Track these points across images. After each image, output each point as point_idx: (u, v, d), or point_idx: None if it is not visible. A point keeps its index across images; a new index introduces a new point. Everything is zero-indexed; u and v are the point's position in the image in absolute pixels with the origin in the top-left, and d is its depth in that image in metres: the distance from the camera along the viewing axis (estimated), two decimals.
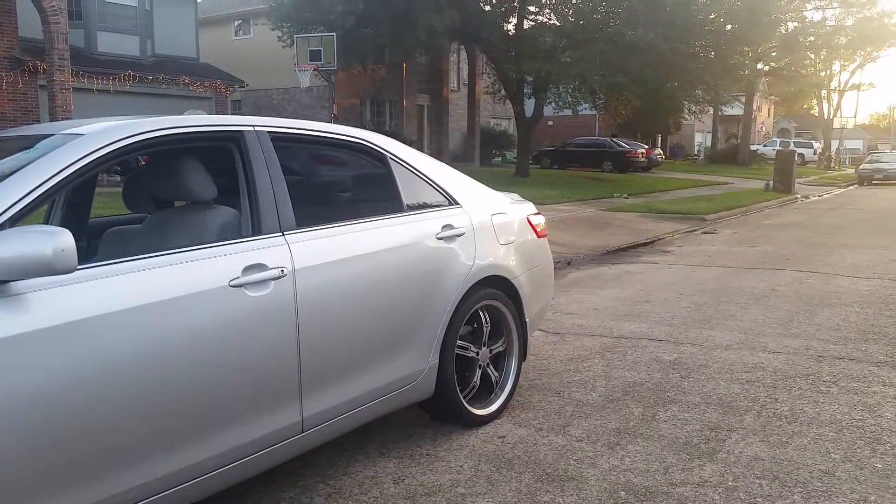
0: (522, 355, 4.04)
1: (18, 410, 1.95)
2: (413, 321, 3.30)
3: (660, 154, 35.70)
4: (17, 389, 1.95)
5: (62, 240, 1.98)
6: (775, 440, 3.53)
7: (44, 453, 2.02)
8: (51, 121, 13.64)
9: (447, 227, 3.56)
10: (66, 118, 13.73)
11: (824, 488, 3.04)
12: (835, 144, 51.66)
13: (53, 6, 14.08)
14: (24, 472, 1.98)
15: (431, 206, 3.62)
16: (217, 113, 20.46)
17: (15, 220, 2.10)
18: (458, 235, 3.60)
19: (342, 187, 3.97)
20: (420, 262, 3.39)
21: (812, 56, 42.60)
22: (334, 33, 18.15)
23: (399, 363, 3.23)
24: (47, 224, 3.10)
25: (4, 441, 1.93)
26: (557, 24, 23.36)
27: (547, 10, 23.92)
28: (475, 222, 3.73)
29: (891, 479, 3.11)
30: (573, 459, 3.34)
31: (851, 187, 29.23)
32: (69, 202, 3.45)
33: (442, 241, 3.51)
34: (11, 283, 1.99)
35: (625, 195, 18.96)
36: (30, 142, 2.53)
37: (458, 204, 3.74)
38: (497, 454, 3.40)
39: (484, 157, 30.90)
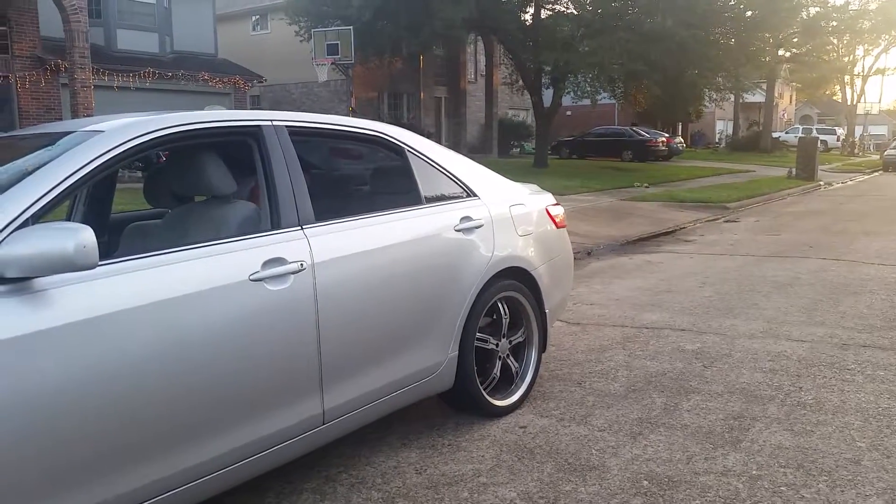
0: (543, 346, 4.03)
1: (42, 406, 1.98)
2: (432, 313, 3.30)
3: (680, 142, 35.37)
4: (40, 385, 1.98)
5: (83, 236, 2.00)
6: (800, 429, 3.50)
7: (68, 448, 2.04)
8: (73, 118, 13.79)
9: (465, 218, 3.55)
10: (88, 115, 13.87)
11: (850, 477, 3.00)
12: (858, 130, 50.92)
13: (74, 5, 14.23)
14: (48, 465, 2.00)
15: (449, 198, 3.61)
16: (236, 108, 20.58)
17: (37, 217, 2.12)
18: (477, 227, 3.59)
19: (360, 180, 3.98)
20: (439, 254, 3.39)
21: (835, 41, 41.97)
22: (351, 27, 18.17)
23: (419, 355, 3.24)
24: (69, 220, 3.14)
25: (29, 437, 1.96)
26: (575, 12, 23.17)
27: (564, 0, 23.76)
28: (493, 214, 3.72)
29: None
30: (595, 449, 3.33)
31: (876, 174, 28.78)
32: (90, 198, 3.48)
33: (461, 232, 3.50)
34: (34, 280, 2.02)
35: (645, 184, 18.82)
36: (51, 139, 2.56)
37: (476, 195, 3.73)
38: (518, 444, 3.40)
39: (502, 148, 30.80)
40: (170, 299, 2.29)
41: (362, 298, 2.95)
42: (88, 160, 2.29)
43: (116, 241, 3.11)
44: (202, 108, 2.96)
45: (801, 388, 4.07)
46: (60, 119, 16.59)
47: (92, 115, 13.45)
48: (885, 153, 32.52)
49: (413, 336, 3.22)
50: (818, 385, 4.11)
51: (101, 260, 2.10)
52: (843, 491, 2.89)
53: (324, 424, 2.80)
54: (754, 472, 3.07)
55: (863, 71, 49.18)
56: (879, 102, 58.56)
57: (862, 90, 50.33)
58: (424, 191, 3.49)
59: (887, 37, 42.91)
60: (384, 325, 3.07)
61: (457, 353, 3.42)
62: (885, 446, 3.28)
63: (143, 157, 2.76)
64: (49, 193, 2.15)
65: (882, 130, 62.20)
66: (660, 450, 3.31)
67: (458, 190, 3.68)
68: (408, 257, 3.21)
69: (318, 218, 2.87)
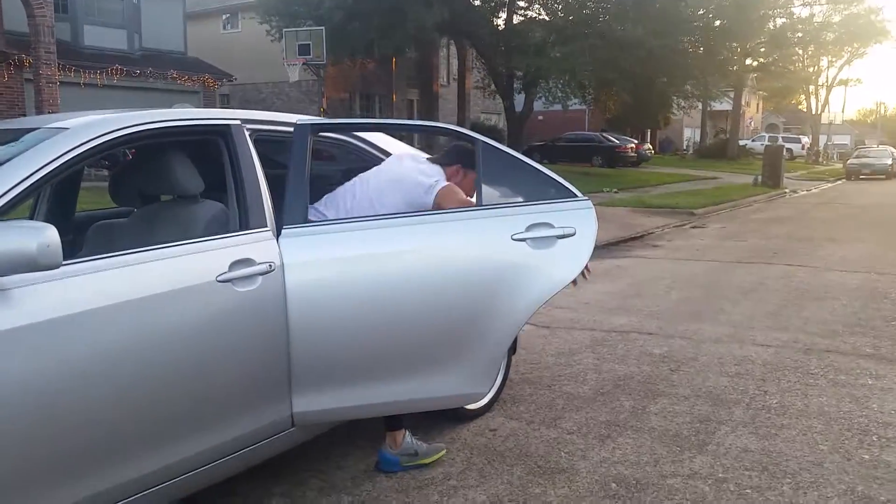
0: (513, 349, 4.03)
1: (3, 407, 1.93)
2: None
3: (649, 149, 35.76)
4: (1, 386, 1.93)
5: (47, 235, 1.95)
6: (764, 432, 3.55)
7: (29, 450, 2.00)
8: (37, 115, 13.52)
9: None
10: (53, 112, 13.61)
11: (812, 479, 3.05)
12: (823, 139, 51.93)
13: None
14: (8, 468, 1.96)
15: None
16: (205, 107, 20.35)
17: None
18: None
19: (331, 182, 3.95)
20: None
21: (800, 52, 42.75)
22: (323, 27, 18.08)
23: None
24: (32, 219, 3.06)
25: None
26: (547, 19, 23.39)
27: (536, 6, 23.95)
28: None
29: (878, 469, 3.13)
30: (564, 452, 3.34)
31: (839, 182, 29.39)
32: (55, 196, 3.41)
33: None
34: None
35: (614, 190, 18.99)
36: (14, 135, 2.50)
37: None
38: (488, 447, 3.40)
39: None
40: (135, 300, 2.25)
41: (339, 303, 2.77)
42: (52, 157, 2.24)
43: (81, 240, 3.05)
44: (170, 107, 2.90)
45: (765, 391, 4.13)
46: (24, 116, 16.26)
47: (57, 112, 13.21)
48: (848, 162, 33.24)
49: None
50: (782, 389, 4.17)
51: (65, 259, 2.05)
52: (805, 493, 2.93)
53: (293, 427, 2.77)
54: (720, 474, 3.11)
55: (827, 81, 50.18)
56: (843, 112, 59.85)
57: (826, 100, 51.36)
58: None
59: (850, 49, 43.83)
60: (366, 336, 2.82)
61: None
62: (846, 449, 3.34)
63: (109, 156, 2.71)
64: (11, 191, 2.10)
65: (845, 140, 63.52)
66: (628, 452, 3.33)
67: None
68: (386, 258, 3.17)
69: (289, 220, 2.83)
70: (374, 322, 2.79)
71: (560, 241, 3.02)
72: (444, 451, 3.26)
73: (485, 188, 3.03)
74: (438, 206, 3.10)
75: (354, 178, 3.26)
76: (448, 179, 3.25)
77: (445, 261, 2.92)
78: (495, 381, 3.54)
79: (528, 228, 2.97)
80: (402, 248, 2.87)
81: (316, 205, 3.14)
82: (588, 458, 3.28)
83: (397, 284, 2.81)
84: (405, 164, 3.30)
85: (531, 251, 2.97)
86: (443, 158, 3.44)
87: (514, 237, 2.95)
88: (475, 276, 2.95)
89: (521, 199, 3.19)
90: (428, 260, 2.89)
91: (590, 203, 3.18)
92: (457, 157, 3.40)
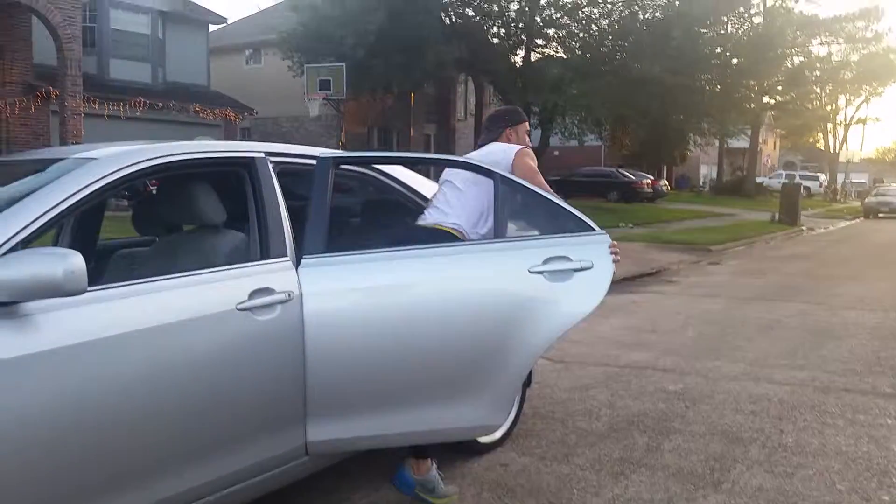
0: (527, 382, 4.03)
1: (25, 431, 1.97)
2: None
3: (665, 185, 35.74)
4: (23, 410, 1.97)
5: (72, 262, 2.01)
6: (780, 471, 3.51)
7: (48, 474, 2.02)
8: (61, 145, 13.78)
9: None
10: (77, 143, 13.88)
11: None
12: (840, 177, 51.72)
13: (69, 34, 14.34)
14: (27, 493, 1.98)
15: None
16: (226, 140, 20.65)
17: (27, 243, 2.13)
18: None
19: (351, 214, 4.00)
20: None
21: (818, 90, 42.85)
22: (343, 64, 18.37)
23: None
24: (56, 246, 3.13)
25: (10, 461, 1.94)
26: (564, 56, 23.61)
27: (554, 44, 24.20)
28: None
29: None
30: (576, 488, 3.32)
31: (857, 220, 29.19)
32: (78, 224, 3.49)
33: None
34: (21, 304, 2.01)
35: (630, 225, 18.99)
36: (43, 165, 2.57)
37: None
38: (499, 482, 3.39)
39: None
40: (156, 327, 2.29)
41: (356, 334, 2.77)
42: (81, 187, 2.30)
43: (104, 267, 3.11)
44: (192, 139, 2.98)
45: (782, 430, 4.09)
46: (49, 146, 16.58)
47: (81, 143, 13.48)
48: (866, 200, 33.06)
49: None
50: (799, 428, 4.13)
51: (89, 286, 2.10)
52: None
53: (306, 456, 2.78)
54: None
55: (845, 120, 50.19)
56: (861, 151, 59.93)
57: (844, 138, 51.35)
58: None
59: (868, 88, 43.86)
60: (382, 366, 2.82)
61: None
62: (865, 490, 3.30)
63: (129, 187, 2.78)
64: (40, 219, 2.16)
65: (863, 178, 63.29)
66: (641, 490, 3.30)
67: None
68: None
69: (309, 250, 2.86)
70: (390, 352, 2.80)
71: (577, 273, 3.03)
72: (456, 496, 3.20)
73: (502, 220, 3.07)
74: (517, 166, 3.33)
75: (442, 182, 3.47)
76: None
77: (462, 292, 2.94)
78: (510, 413, 3.53)
79: (546, 261, 2.99)
80: (419, 279, 2.89)
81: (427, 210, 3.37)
82: (600, 495, 3.26)
83: (413, 315, 2.83)
84: (479, 152, 3.56)
85: (548, 284, 2.98)
86: (492, 134, 3.72)
87: (532, 270, 2.97)
88: (491, 308, 2.96)
89: (538, 232, 3.22)
90: (444, 291, 2.91)
91: (607, 237, 3.18)
92: (499, 122, 3.78)
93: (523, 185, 3.17)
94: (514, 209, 3.17)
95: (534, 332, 2.97)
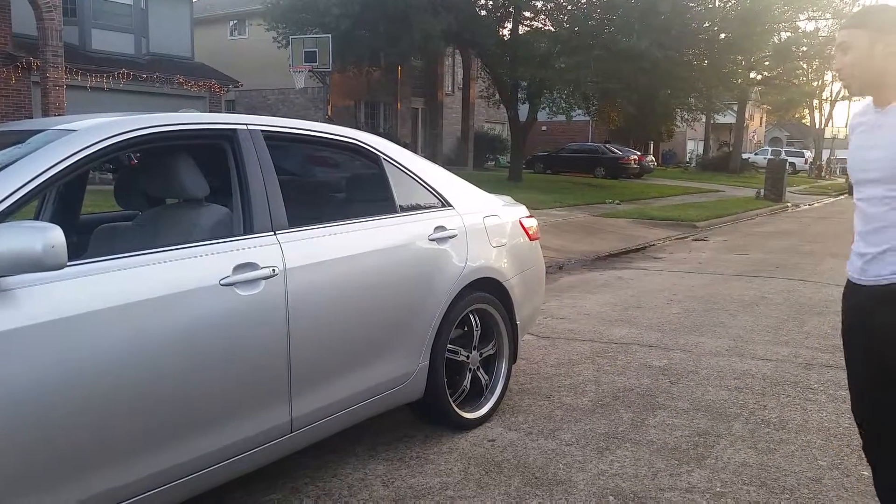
0: (513, 359, 4.04)
1: (5, 407, 1.94)
2: (404, 322, 3.29)
3: (652, 161, 35.81)
4: (4, 385, 1.94)
5: (52, 236, 1.97)
6: (763, 447, 3.55)
7: (29, 450, 2.00)
8: (43, 117, 13.57)
9: (439, 228, 3.56)
10: (59, 115, 13.66)
11: (811, 495, 3.05)
12: (826, 154, 51.95)
13: (48, 3, 14.03)
14: (7, 469, 1.96)
15: (424, 208, 3.62)
16: (211, 112, 20.40)
17: (5, 216, 2.09)
18: (451, 237, 3.60)
19: (335, 187, 3.97)
20: (412, 263, 3.39)
21: (804, 66, 42.79)
22: (329, 35, 18.15)
23: (389, 364, 3.23)
24: (37, 220, 3.08)
25: None
26: (552, 30, 23.41)
27: (542, 16, 23.98)
28: (467, 224, 3.74)
29: None
30: (562, 463, 3.34)
31: (842, 197, 29.37)
32: (60, 198, 3.43)
33: (434, 242, 3.51)
34: (1, 279, 1.98)
35: (617, 201, 19.00)
36: (21, 137, 2.52)
37: (450, 205, 3.74)
38: (486, 457, 3.40)
39: (477, 161, 30.92)
40: (139, 302, 2.26)
41: (334, 305, 2.93)
42: (60, 159, 2.26)
43: (86, 242, 3.07)
44: (176, 112, 2.92)
45: (765, 406, 4.13)
46: (30, 118, 16.32)
47: (63, 115, 13.27)
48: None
49: (384, 345, 3.21)
50: (782, 404, 4.17)
51: (69, 261, 2.07)
52: None
53: (292, 432, 2.78)
54: (718, 489, 3.10)
55: (831, 96, 50.27)
56: (846, 127, 59.81)
57: (830, 115, 51.47)
58: (399, 199, 3.50)
59: None
60: (355, 333, 3.06)
61: (427, 363, 3.42)
62: (846, 465, 3.34)
63: (113, 159, 2.74)
64: (18, 192, 2.12)
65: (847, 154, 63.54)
66: (626, 465, 3.33)
67: (432, 200, 3.68)
68: (381, 266, 3.21)
69: (292, 224, 2.85)
70: (354, 318, 3.04)
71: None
72: None
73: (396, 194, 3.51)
74: None
75: None
76: None
77: (394, 257, 3.32)
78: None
79: (435, 230, 3.53)
80: (369, 248, 3.16)
81: None
82: (586, 470, 3.28)
83: (368, 282, 3.11)
84: None
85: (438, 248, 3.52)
86: None
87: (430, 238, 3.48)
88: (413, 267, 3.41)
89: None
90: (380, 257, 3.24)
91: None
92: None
93: (403, 168, 3.59)
94: (402, 188, 3.57)
95: (438, 286, 3.46)
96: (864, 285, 2.21)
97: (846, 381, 2.47)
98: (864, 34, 2.09)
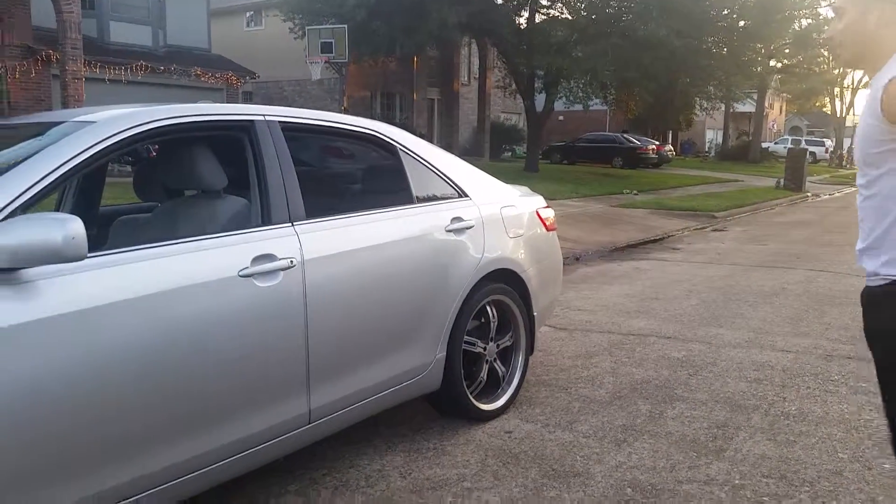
0: (530, 350, 4.03)
1: (27, 398, 1.96)
2: (421, 314, 3.29)
3: (670, 150, 35.52)
4: (26, 377, 1.96)
5: (72, 227, 1.98)
6: (783, 439, 3.52)
7: (51, 441, 2.02)
8: (63, 109, 13.67)
9: (456, 219, 3.55)
10: (78, 107, 13.75)
11: (831, 488, 3.02)
12: (847, 143, 51.28)
13: None
14: (30, 459, 1.98)
15: (441, 198, 3.61)
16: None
17: (26, 208, 2.10)
18: (468, 228, 3.59)
19: (352, 178, 3.97)
20: (429, 254, 3.38)
21: (825, 53, 42.28)
22: (345, 26, 18.13)
23: (407, 355, 3.23)
24: (58, 211, 3.11)
25: (13, 429, 1.94)
26: (570, 18, 23.25)
27: (559, 4, 23.80)
28: (484, 215, 3.72)
29: None
30: (580, 455, 3.33)
31: None
32: (80, 190, 3.46)
33: (451, 233, 3.50)
34: (21, 271, 1.99)
35: (634, 191, 18.89)
36: (42, 129, 2.53)
37: (467, 196, 3.73)
38: (503, 449, 3.40)
39: (494, 151, 30.83)
40: (158, 293, 2.27)
41: (351, 296, 2.94)
42: (80, 150, 2.27)
43: (105, 234, 3.09)
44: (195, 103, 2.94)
45: (784, 398, 4.09)
46: (50, 111, 16.46)
47: (82, 107, 13.33)
48: None
49: (401, 336, 3.21)
50: (802, 396, 4.13)
51: (89, 252, 2.08)
52: (824, 502, 2.91)
53: (310, 423, 2.79)
54: (737, 481, 3.08)
55: (852, 84, 49.57)
56: None
57: (851, 103, 50.72)
58: (416, 190, 3.49)
59: None
60: (372, 325, 3.06)
61: (444, 354, 3.41)
62: (867, 458, 3.30)
63: (132, 152, 2.75)
64: (39, 183, 2.13)
65: None
66: (644, 457, 3.31)
67: (449, 190, 3.67)
68: (398, 257, 3.20)
69: (310, 215, 2.86)
70: (371, 309, 3.05)
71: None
72: None
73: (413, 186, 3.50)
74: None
75: None
76: None
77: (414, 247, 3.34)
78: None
79: (452, 220, 3.52)
80: (386, 239, 3.17)
81: None
82: (604, 462, 3.27)
83: (385, 273, 3.11)
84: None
85: (456, 238, 3.53)
86: None
87: (447, 229, 3.48)
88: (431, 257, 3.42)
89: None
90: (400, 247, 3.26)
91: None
92: None
93: (420, 158, 3.60)
94: (419, 178, 3.57)
95: (454, 277, 3.46)
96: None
97: (867, 373, 2.43)
98: (856, 1, 1.95)
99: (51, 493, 2.04)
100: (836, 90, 49.71)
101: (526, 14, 24.17)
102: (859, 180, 1.97)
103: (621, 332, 5.55)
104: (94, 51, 17.73)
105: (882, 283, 1.94)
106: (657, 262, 9.13)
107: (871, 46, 1.95)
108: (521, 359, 3.95)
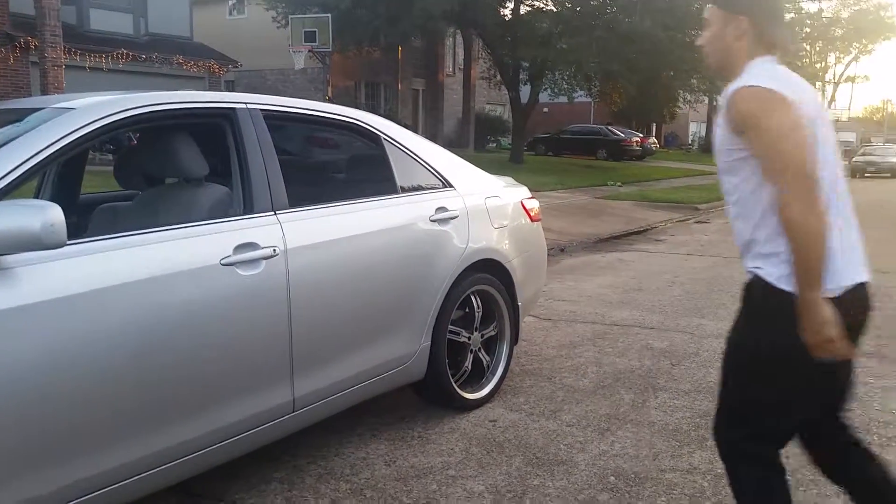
0: (514, 340, 4.03)
1: (6, 386, 1.93)
2: (406, 303, 3.28)
3: (654, 143, 35.69)
4: (5, 364, 1.93)
5: (51, 214, 1.95)
6: None
7: (31, 429, 2.00)
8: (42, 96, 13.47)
9: (441, 209, 3.54)
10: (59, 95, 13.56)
11: (812, 477, 3.05)
12: None
13: None
14: (10, 448, 1.96)
15: (425, 188, 3.60)
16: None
17: (4, 194, 2.07)
18: (452, 218, 3.58)
19: (336, 167, 3.95)
20: (413, 243, 3.37)
21: (808, 47, 42.62)
22: (329, 15, 18.00)
23: (390, 345, 3.23)
24: (37, 199, 3.06)
25: None
26: (554, 9, 23.22)
27: None
28: (469, 205, 3.72)
29: None
30: (563, 444, 3.34)
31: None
32: (60, 178, 3.41)
33: (435, 223, 3.49)
34: (0, 258, 1.96)
35: (618, 183, 18.96)
36: (20, 115, 2.49)
37: (451, 186, 3.72)
38: (488, 437, 3.41)
39: (479, 142, 30.80)
40: (139, 281, 2.25)
41: (335, 286, 2.93)
42: (59, 137, 2.24)
43: (86, 221, 3.05)
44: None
45: None
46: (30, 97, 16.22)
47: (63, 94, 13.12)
48: (853, 160, 33.09)
49: (386, 325, 3.20)
50: None
51: (69, 240, 2.05)
52: (805, 490, 2.94)
53: (294, 412, 2.78)
54: (719, 470, 3.09)
55: (834, 78, 50.05)
56: (849, 109, 59.76)
57: (833, 97, 51.20)
58: (400, 180, 3.47)
59: (858, 45, 43.67)
60: (357, 314, 3.05)
61: (429, 343, 3.41)
62: None
63: (113, 139, 2.72)
64: (17, 170, 2.10)
65: (851, 137, 63.30)
66: (627, 446, 3.33)
67: (433, 180, 3.66)
68: (382, 246, 3.19)
69: (293, 204, 2.84)
70: (355, 298, 3.03)
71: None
72: None
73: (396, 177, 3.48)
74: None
75: None
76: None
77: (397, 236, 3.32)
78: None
79: (437, 210, 3.50)
80: (370, 229, 3.15)
81: None
82: (587, 450, 3.28)
83: (369, 262, 3.10)
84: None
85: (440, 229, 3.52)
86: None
87: (431, 218, 3.46)
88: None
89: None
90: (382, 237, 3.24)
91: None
92: None
93: (404, 148, 3.57)
94: (403, 168, 3.55)
95: (439, 267, 3.44)
96: None
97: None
98: (719, 12, 2.08)
99: (33, 479, 2.01)
100: (818, 84, 50.09)
101: (511, 5, 24.13)
102: (723, 187, 2.10)
103: (605, 322, 5.57)
104: (75, 38, 17.48)
105: (749, 276, 2.13)
106: (641, 254, 9.17)
107: (729, 57, 2.07)
108: (505, 348, 3.96)
